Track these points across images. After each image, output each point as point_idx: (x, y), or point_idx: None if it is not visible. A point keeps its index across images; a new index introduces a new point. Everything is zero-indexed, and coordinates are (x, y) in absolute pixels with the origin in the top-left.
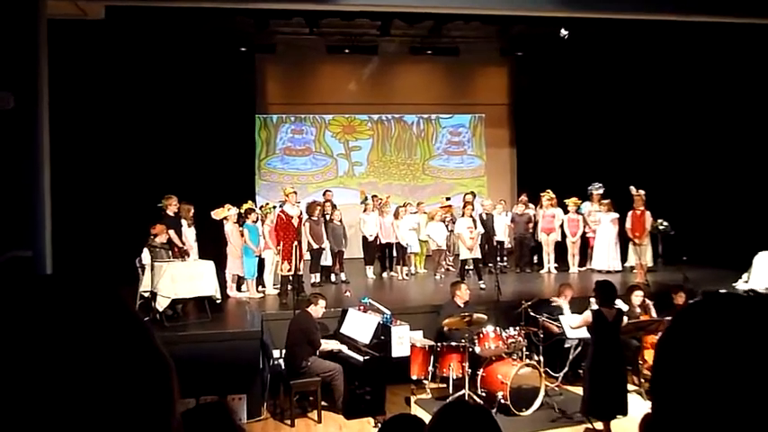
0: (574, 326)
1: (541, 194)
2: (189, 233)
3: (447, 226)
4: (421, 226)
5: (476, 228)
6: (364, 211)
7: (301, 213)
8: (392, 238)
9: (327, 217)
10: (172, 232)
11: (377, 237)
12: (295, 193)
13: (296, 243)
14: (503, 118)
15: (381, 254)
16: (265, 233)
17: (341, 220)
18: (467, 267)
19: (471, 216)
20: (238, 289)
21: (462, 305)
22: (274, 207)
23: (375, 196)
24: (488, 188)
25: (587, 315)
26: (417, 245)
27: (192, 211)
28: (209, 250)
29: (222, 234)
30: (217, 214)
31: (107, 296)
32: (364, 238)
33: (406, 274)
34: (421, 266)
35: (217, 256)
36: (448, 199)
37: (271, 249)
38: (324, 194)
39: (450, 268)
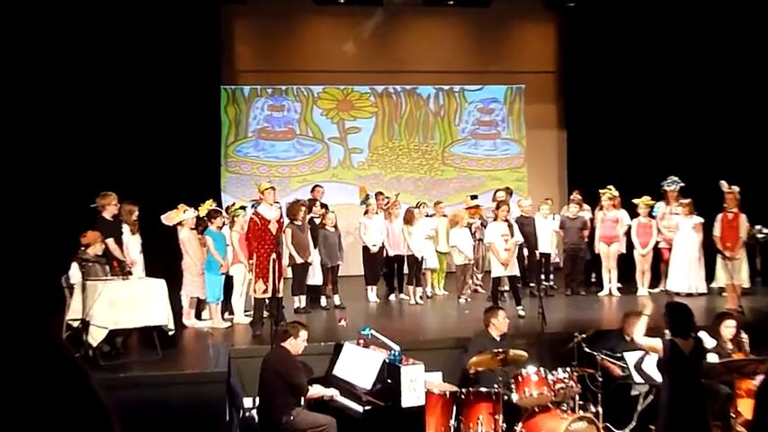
0: (640, 344)
1: (600, 192)
2: (132, 242)
3: (475, 233)
4: (440, 233)
5: (512, 236)
6: (366, 213)
7: (281, 216)
8: (402, 248)
9: (317, 221)
10: (110, 241)
11: (382, 247)
12: (273, 189)
13: (274, 255)
14: (548, 90)
15: (388, 270)
16: (234, 242)
17: (335, 226)
18: (501, 288)
19: (507, 220)
20: (198, 316)
21: (497, 338)
22: (244, 208)
23: (380, 194)
24: (529, 183)
25: (656, 342)
26: (435, 258)
27: (137, 213)
28: (160, 265)
29: (176, 244)
30: (169, 218)
31: (31, 328)
32: (365, 250)
33: (421, 297)
34: (440, 287)
35: (169, 272)
36: (475, 197)
37: (241, 264)
38: (312, 191)
39: (479, 289)
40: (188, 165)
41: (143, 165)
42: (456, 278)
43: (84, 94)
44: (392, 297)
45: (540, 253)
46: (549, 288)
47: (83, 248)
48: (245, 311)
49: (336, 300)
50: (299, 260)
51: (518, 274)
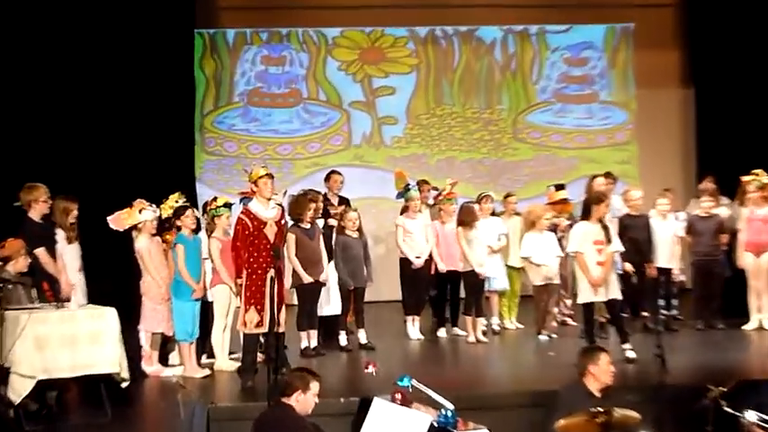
0: None
1: (744, 180)
2: (70, 255)
3: (561, 240)
4: (512, 240)
5: (608, 242)
6: (405, 211)
7: (283, 217)
8: (457, 262)
9: (333, 223)
10: (41, 252)
11: (429, 260)
12: (271, 177)
13: (272, 272)
14: (666, 30)
15: (438, 293)
16: (214, 254)
17: (359, 230)
18: (599, 318)
19: (600, 220)
20: (163, 360)
21: (596, 393)
22: (229, 205)
23: (425, 183)
24: (640, 166)
25: None
26: (505, 276)
27: (76, 213)
28: (109, 288)
29: (131, 257)
30: (119, 221)
31: None
32: (405, 264)
33: (485, 333)
34: (512, 317)
35: (122, 298)
36: (561, 187)
37: (225, 285)
38: (326, 180)
39: (569, 320)
40: (148, 143)
41: (84, 145)
42: (535, 304)
43: (13, 52)
44: (442, 332)
45: (658, 268)
46: (670, 319)
47: (0, 264)
48: (231, 354)
49: (362, 337)
50: (307, 279)
51: (619, 298)
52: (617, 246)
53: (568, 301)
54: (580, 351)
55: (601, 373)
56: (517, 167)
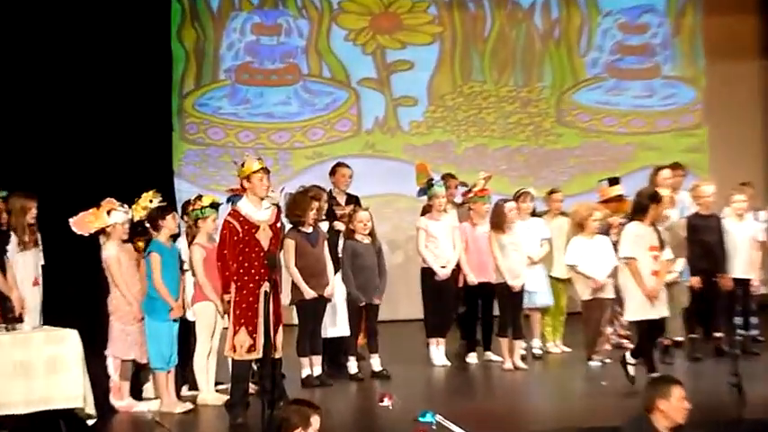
0: None
1: None
2: (25, 264)
3: (616, 244)
4: (557, 244)
5: (662, 248)
6: (428, 211)
7: (279, 218)
8: (491, 272)
9: (340, 226)
10: None
11: (457, 271)
12: (266, 171)
13: (266, 286)
14: None
15: (468, 310)
16: (196, 264)
17: (371, 233)
18: (662, 341)
19: (653, 224)
20: (135, 392)
21: None
22: (216, 206)
23: (451, 177)
24: (712, 155)
25: None
26: (548, 289)
27: (34, 213)
28: (70, 306)
29: (97, 269)
30: (83, 224)
31: None
32: (427, 275)
33: (524, 358)
34: (557, 339)
35: (86, 318)
36: (615, 181)
37: (209, 302)
38: (332, 174)
39: (625, 342)
40: (116, 132)
41: (41, 134)
42: (584, 323)
43: None
44: (473, 357)
45: (734, 279)
46: (749, 340)
47: None
48: (218, 384)
49: (375, 363)
50: (309, 294)
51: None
52: (669, 253)
53: (624, 319)
54: (650, 382)
55: (672, 411)
56: (562, 157)
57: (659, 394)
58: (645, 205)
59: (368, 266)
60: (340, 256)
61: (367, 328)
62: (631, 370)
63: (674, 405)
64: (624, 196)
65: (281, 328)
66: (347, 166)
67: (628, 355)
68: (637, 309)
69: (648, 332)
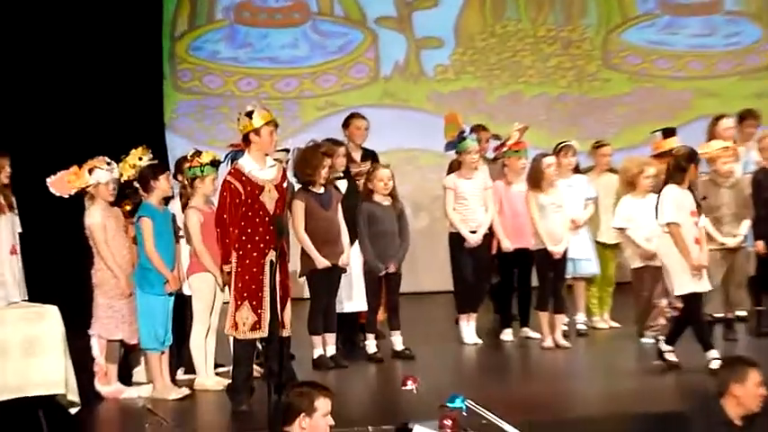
0: None
1: None
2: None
3: None
4: (604, 205)
5: (699, 214)
6: (455, 168)
7: (285, 177)
8: (528, 237)
9: (356, 183)
10: None
11: (490, 236)
12: (274, 125)
13: (272, 255)
14: None
15: (503, 281)
16: (192, 230)
17: (392, 194)
18: (724, 315)
19: (690, 187)
20: (125, 377)
21: (737, 421)
22: (216, 164)
23: (482, 129)
24: None
25: None
26: (594, 257)
27: (9, 170)
28: (50, 278)
29: (80, 236)
30: (62, 184)
31: None
32: (455, 241)
33: (566, 335)
34: (604, 313)
35: (68, 293)
36: (671, 133)
37: (207, 273)
38: (345, 126)
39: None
40: (99, 81)
41: (14, 84)
42: (635, 295)
43: None
44: (508, 334)
45: None
46: None
47: None
48: (218, 367)
49: (397, 342)
50: (322, 263)
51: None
52: (704, 220)
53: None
54: (722, 364)
55: (747, 397)
56: (609, 106)
57: (735, 378)
58: (683, 167)
59: (388, 232)
60: (357, 220)
61: (387, 301)
62: (671, 357)
63: (750, 390)
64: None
65: (288, 302)
66: (363, 118)
67: (662, 342)
68: (686, 282)
69: (700, 306)
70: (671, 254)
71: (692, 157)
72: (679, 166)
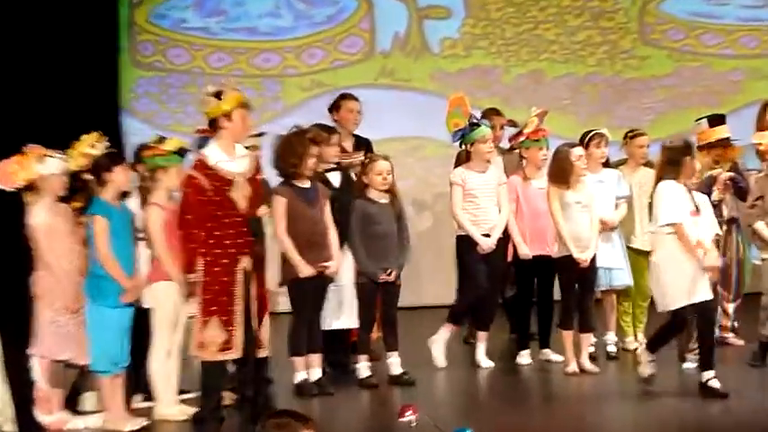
0: None
1: None
2: None
3: (720, 205)
4: (637, 205)
5: (698, 212)
6: (463, 161)
7: (260, 169)
8: (549, 242)
9: (349, 177)
10: None
11: (505, 239)
12: (245, 107)
13: (245, 262)
14: None
15: (520, 293)
16: (153, 231)
17: (390, 190)
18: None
19: (765, 177)
20: (70, 403)
21: None
22: (183, 153)
23: (495, 113)
24: None
25: None
26: (627, 266)
27: None
28: None
29: (19, 237)
30: (4, 175)
31: None
32: (464, 245)
33: (594, 357)
34: (639, 331)
35: (6, 303)
36: (719, 120)
37: (171, 282)
38: (335, 109)
39: (731, 337)
40: (46, 53)
41: None
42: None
43: None
44: (526, 357)
45: None
46: None
47: None
48: (182, 393)
49: (394, 364)
50: (306, 271)
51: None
52: (760, 224)
53: (730, 306)
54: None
55: None
56: (647, 89)
57: None
58: (676, 161)
59: (385, 234)
60: (350, 221)
61: (384, 317)
62: (647, 369)
63: None
64: (731, 140)
65: (266, 317)
66: (355, 99)
67: (641, 349)
68: (680, 293)
69: (687, 320)
70: (667, 261)
71: (686, 149)
72: (671, 160)
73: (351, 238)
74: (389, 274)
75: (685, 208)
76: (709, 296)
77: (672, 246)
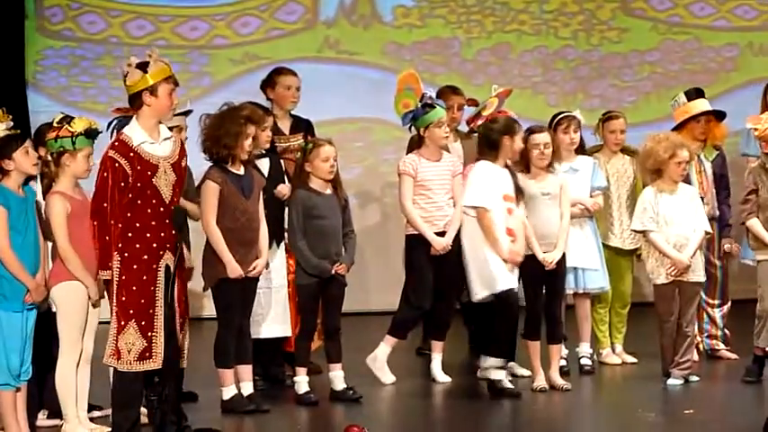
0: None
1: None
2: None
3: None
4: (615, 197)
5: (519, 197)
6: (416, 146)
7: (184, 152)
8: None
9: (284, 167)
10: None
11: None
12: (174, 82)
13: (168, 258)
14: None
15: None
16: (56, 223)
17: (334, 181)
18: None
19: (507, 166)
20: None
21: None
22: (93, 134)
23: (453, 92)
24: None
25: None
26: (603, 268)
27: None
28: None
29: None
30: None
31: None
32: (415, 245)
33: (565, 371)
34: (617, 341)
35: None
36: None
37: (77, 282)
38: (269, 85)
39: (720, 347)
40: None
41: None
42: (658, 322)
43: None
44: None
45: None
46: None
47: None
48: (92, 410)
49: (337, 378)
50: (234, 271)
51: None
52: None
53: (717, 313)
54: None
55: None
56: (628, 65)
57: None
58: (494, 140)
59: (330, 229)
60: (289, 214)
61: (326, 322)
62: (494, 376)
63: None
64: (716, 115)
65: (186, 323)
66: (293, 74)
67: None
68: (487, 280)
69: (507, 308)
70: (475, 247)
71: (507, 128)
72: (489, 141)
73: (292, 233)
74: (340, 266)
75: (498, 192)
76: (509, 285)
77: (472, 229)
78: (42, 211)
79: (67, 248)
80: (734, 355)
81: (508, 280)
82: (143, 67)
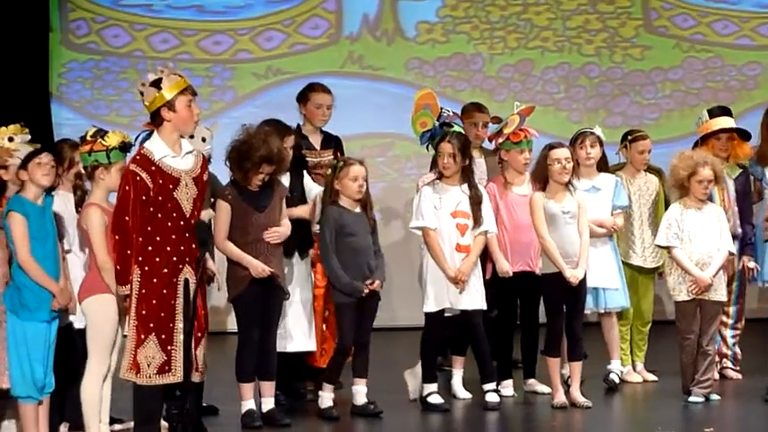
0: None
1: None
2: None
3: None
4: (637, 215)
5: (477, 220)
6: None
7: (206, 166)
8: (534, 258)
9: (313, 185)
10: None
11: (483, 257)
12: (191, 92)
13: (188, 272)
14: None
15: (501, 315)
16: (94, 235)
17: (363, 201)
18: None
19: (469, 182)
20: None
21: None
22: (127, 147)
23: (477, 109)
24: None
25: None
26: (624, 286)
27: None
28: None
29: None
30: None
31: None
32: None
33: (568, 383)
34: (639, 359)
35: None
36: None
37: (109, 295)
38: (302, 100)
39: (729, 366)
40: None
41: None
42: (679, 339)
43: None
44: (506, 388)
45: None
46: None
47: None
48: (114, 422)
49: (359, 393)
50: (259, 269)
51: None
52: (492, 226)
53: (728, 333)
54: None
55: None
56: (651, 82)
57: None
58: (434, 156)
59: (361, 247)
60: (322, 231)
61: (356, 338)
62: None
63: None
64: (740, 134)
65: (204, 336)
66: (326, 92)
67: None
68: (436, 295)
69: (439, 327)
70: (428, 264)
71: (465, 147)
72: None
73: (324, 251)
74: (372, 284)
75: (446, 208)
76: (435, 308)
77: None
78: (62, 222)
79: (108, 260)
80: (738, 375)
81: (437, 301)
82: (157, 84)
